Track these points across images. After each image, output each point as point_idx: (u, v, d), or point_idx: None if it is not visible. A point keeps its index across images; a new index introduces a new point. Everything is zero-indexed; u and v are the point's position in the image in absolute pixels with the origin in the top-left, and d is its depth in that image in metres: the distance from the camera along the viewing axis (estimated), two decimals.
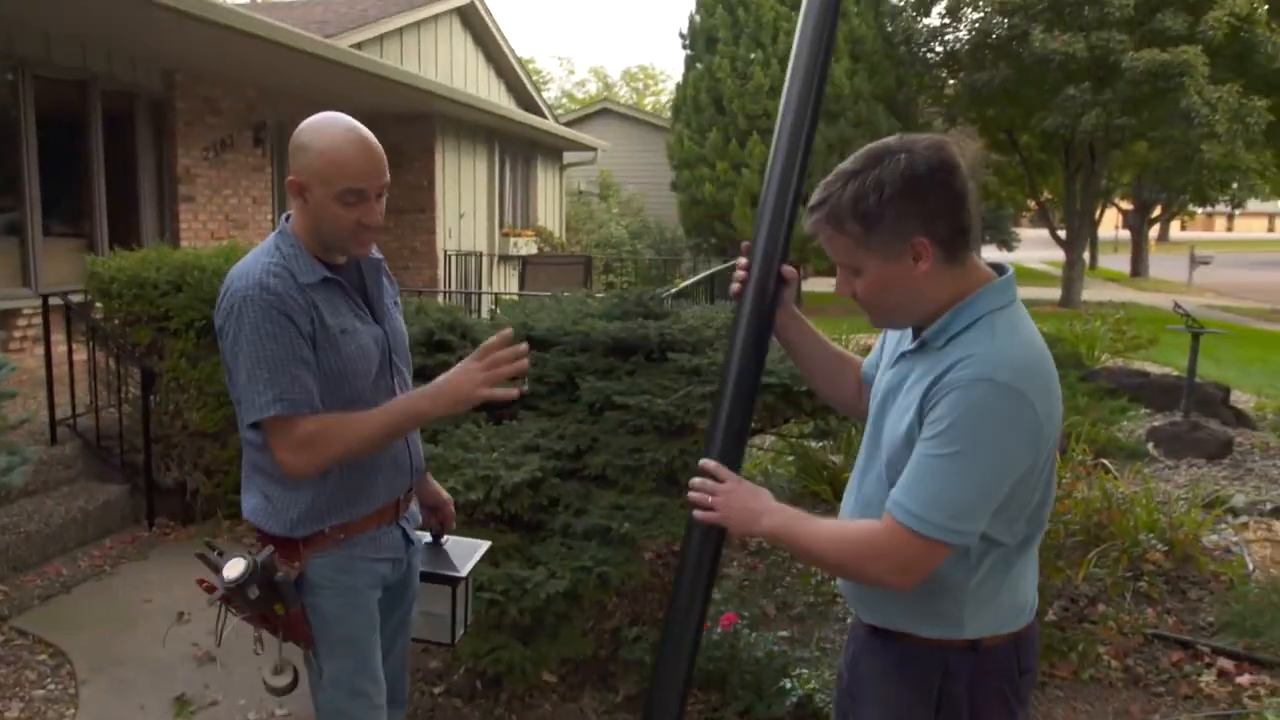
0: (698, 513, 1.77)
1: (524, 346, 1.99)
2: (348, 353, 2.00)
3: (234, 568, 1.93)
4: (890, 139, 1.65)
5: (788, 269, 1.88)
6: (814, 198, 1.67)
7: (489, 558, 2.64)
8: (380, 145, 2.00)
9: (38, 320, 7.10)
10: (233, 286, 1.94)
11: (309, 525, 2.02)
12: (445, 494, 2.46)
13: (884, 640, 1.79)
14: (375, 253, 2.18)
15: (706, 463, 1.79)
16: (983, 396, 1.53)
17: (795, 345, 1.99)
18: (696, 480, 1.77)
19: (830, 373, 2.01)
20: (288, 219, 2.05)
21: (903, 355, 1.74)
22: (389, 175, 2.03)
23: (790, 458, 5.81)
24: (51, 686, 3.69)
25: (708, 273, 11.24)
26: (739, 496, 1.74)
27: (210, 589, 2.01)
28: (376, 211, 1.99)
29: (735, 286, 1.90)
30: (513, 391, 1.99)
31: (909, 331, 1.75)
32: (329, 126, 1.96)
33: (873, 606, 1.79)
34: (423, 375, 3.91)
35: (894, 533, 1.59)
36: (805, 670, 3.18)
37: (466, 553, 2.46)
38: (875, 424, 1.77)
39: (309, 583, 2.04)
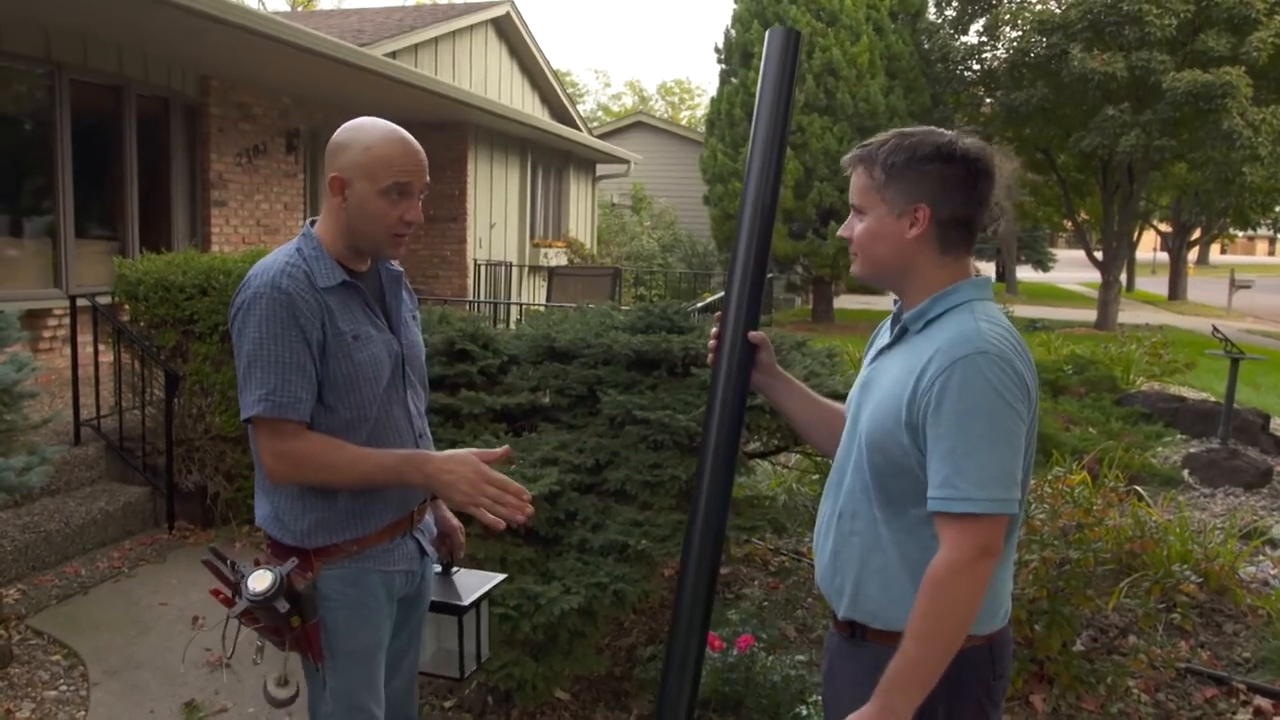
0: None
1: (531, 509, 1.92)
2: (360, 359, 1.97)
3: (260, 580, 1.86)
4: (950, 131, 1.76)
5: (756, 335, 1.98)
6: (863, 143, 1.80)
7: (499, 590, 2.56)
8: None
9: (67, 321, 7.17)
10: (248, 282, 1.92)
11: (321, 537, 1.98)
12: (455, 520, 2.40)
13: (858, 647, 1.79)
14: (395, 265, 2.16)
15: None
16: (981, 370, 1.61)
17: (781, 403, 2.11)
18: None
19: (819, 423, 2.08)
20: (312, 223, 2.04)
21: (881, 351, 1.84)
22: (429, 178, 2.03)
23: (815, 477, 5.72)
24: (63, 687, 3.67)
25: None
26: None
27: (227, 601, 1.96)
28: (418, 209, 2.00)
29: (711, 357, 2.01)
30: (500, 523, 1.89)
31: (886, 330, 1.87)
32: (372, 125, 1.98)
33: (855, 600, 1.78)
34: (442, 385, 3.91)
35: (958, 533, 1.61)
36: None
37: (476, 584, 2.37)
38: (854, 417, 1.83)
39: (320, 595, 1.99)
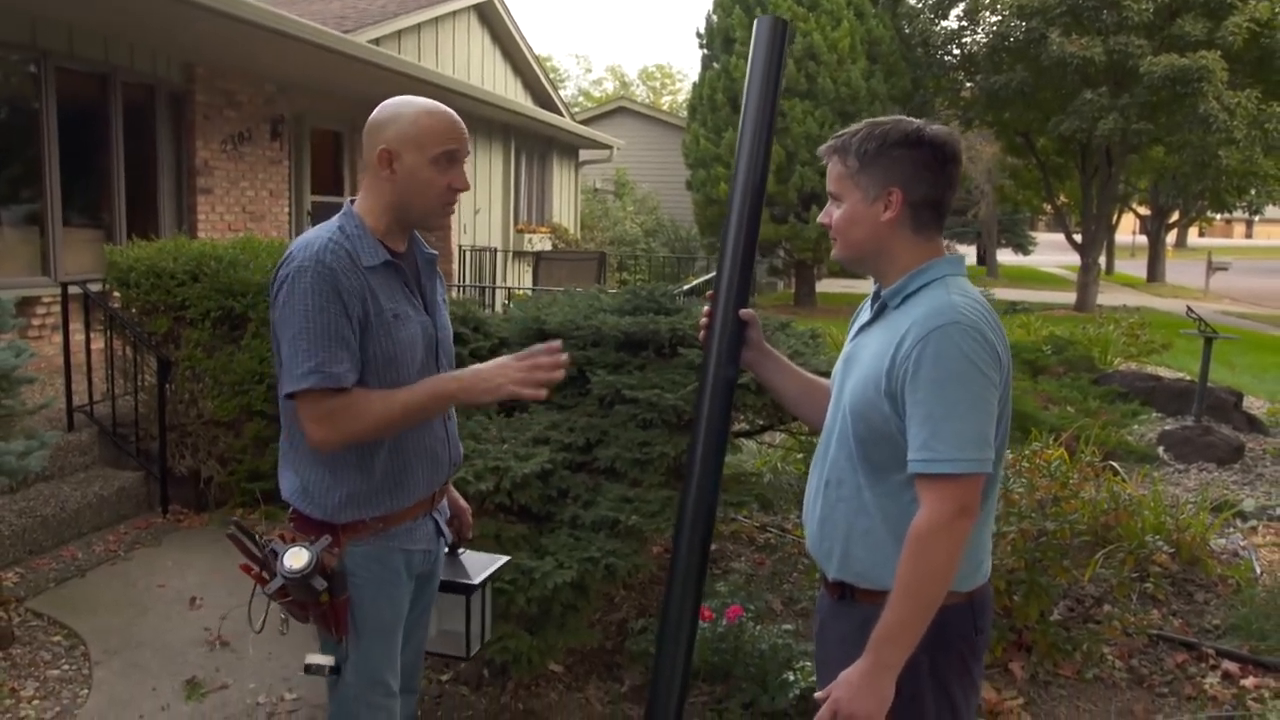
0: None
1: (565, 357, 1.99)
2: (400, 337, 1.99)
3: (296, 558, 1.89)
4: (919, 120, 1.87)
5: (746, 312, 2.06)
6: (837, 133, 1.90)
7: (505, 571, 2.61)
8: None
9: (56, 309, 7.18)
10: (292, 257, 1.94)
11: (351, 513, 2.01)
12: (463, 502, 2.45)
13: (846, 606, 1.88)
14: (429, 249, 2.19)
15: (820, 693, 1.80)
16: (953, 340, 1.70)
17: (770, 379, 2.17)
18: None
19: (807, 398, 2.16)
20: (352, 202, 2.05)
21: (862, 328, 1.93)
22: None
23: (800, 455, 5.82)
24: (66, 667, 3.74)
25: None
26: (852, 702, 1.72)
27: (259, 578, 1.97)
28: (464, 177, 2.04)
29: (702, 335, 2.08)
30: (541, 392, 1.96)
31: (867, 308, 1.96)
32: (415, 100, 2.02)
33: (844, 562, 1.87)
34: None
35: (937, 494, 1.70)
36: (809, 663, 3.20)
37: (483, 564, 2.43)
38: (838, 390, 1.93)
39: (347, 571, 2.02)
